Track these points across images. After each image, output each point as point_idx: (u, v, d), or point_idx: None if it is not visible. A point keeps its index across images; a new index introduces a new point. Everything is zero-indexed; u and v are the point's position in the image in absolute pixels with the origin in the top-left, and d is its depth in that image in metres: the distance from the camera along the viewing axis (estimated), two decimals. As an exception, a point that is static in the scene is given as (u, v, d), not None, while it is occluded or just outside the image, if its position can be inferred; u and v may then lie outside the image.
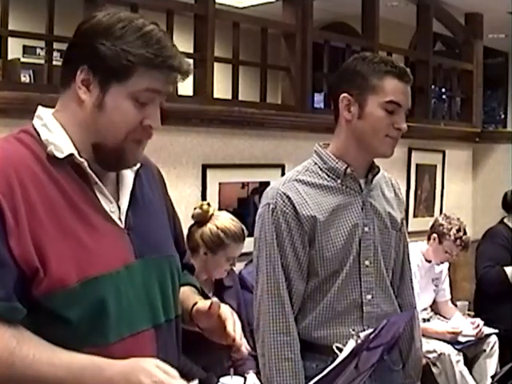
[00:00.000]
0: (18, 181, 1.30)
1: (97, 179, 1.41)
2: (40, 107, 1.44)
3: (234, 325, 1.48)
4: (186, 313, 1.57)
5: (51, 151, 1.36)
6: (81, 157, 1.38)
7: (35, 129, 1.40)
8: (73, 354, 1.28)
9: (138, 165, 1.50)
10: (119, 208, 1.44)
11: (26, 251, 1.27)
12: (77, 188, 1.37)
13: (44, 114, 1.42)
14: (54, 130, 1.39)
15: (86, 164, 1.38)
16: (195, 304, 1.57)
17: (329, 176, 2.04)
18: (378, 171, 2.10)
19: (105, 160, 1.41)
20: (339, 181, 2.04)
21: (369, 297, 2.03)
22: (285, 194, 2.00)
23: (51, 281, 1.28)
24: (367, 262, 2.03)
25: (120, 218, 1.43)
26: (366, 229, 2.03)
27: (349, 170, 2.03)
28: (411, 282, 2.24)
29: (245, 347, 1.49)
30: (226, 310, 1.51)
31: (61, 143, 1.37)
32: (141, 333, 1.40)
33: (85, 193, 1.39)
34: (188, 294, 1.61)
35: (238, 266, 3.42)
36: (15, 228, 1.27)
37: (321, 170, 2.05)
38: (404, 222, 2.22)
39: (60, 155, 1.36)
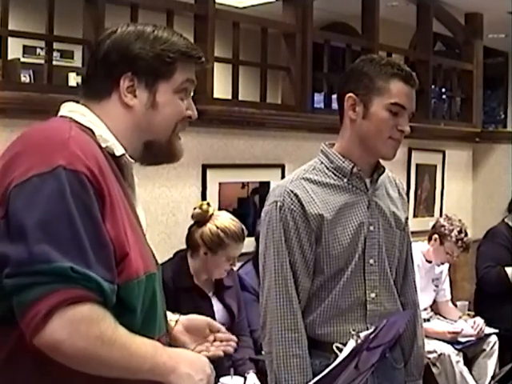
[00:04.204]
0: (104, 165, 1.31)
1: (135, 182, 1.46)
2: (71, 102, 1.44)
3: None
4: None
5: (111, 148, 1.38)
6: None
7: (81, 123, 1.38)
8: (141, 337, 1.30)
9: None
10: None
11: (120, 235, 1.28)
12: (123, 186, 1.41)
13: (84, 111, 1.41)
14: (101, 127, 1.40)
15: (133, 165, 1.43)
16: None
17: (335, 175, 2.06)
18: (383, 171, 2.11)
19: (157, 156, 1.47)
20: (345, 180, 2.05)
21: (373, 295, 2.04)
22: (292, 191, 2.01)
23: (130, 270, 1.30)
24: (372, 261, 2.04)
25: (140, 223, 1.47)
26: (372, 228, 2.05)
27: (355, 170, 2.04)
28: (414, 281, 2.25)
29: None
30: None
31: (114, 141, 1.39)
32: (164, 333, 1.47)
33: (127, 192, 1.42)
34: None
35: (237, 267, 3.42)
36: (110, 210, 1.28)
37: (327, 168, 2.07)
38: (408, 221, 2.23)
39: (117, 153, 1.39)
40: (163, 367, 1.29)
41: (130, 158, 1.42)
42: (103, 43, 1.43)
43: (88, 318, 1.20)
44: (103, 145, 1.37)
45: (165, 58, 1.42)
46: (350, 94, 2.02)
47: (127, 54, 1.41)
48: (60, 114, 1.42)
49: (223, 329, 1.64)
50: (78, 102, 1.44)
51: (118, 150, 1.39)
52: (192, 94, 1.52)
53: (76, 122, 1.37)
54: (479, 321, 4.12)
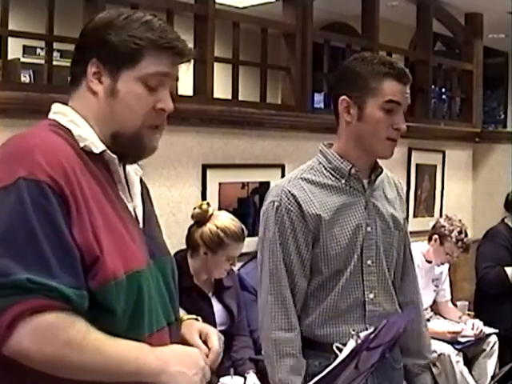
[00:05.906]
0: (71, 169, 1.30)
1: (122, 177, 1.43)
2: (57, 104, 1.44)
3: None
4: None
5: (89, 146, 1.37)
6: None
7: (62, 124, 1.39)
8: (124, 340, 1.29)
9: (141, 171, 1.53)
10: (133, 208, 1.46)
11: (88, 239, 1.27)
12: (108, 184, 1.39)
13: (67, 111, 1.41)
14: (82, 126, 1.39)
15: (116, 161, 1.41)
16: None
17: (333, 176, 2.06)
18: (381, 172, 2.11)
19: (124, 149, 1.42)
20: (343, 181, 2.05)
21: (371, 296, 2.04)
22: (290, 191, 2.01)
23: (105, 272, 1.28)
24: (369, 262, 2.04)
25: (137, 218, 1.46)
26: (369, 229, 2.05)
27: (353, 171, 2.04)
28: (415, 281, 2.24)
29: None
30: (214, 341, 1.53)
31: (94, 139, 1.38)
32: (162, 329, 1.43)
33: (113, 189, 1.41)
34: None
35: (238, 266, 3.42)
36: (77, 216, 1.27)
37: (325, 169, 2.07)
38: (406, 221, 2.23)
39: (96, 150, 1.37)
40: (149, 369, 1.28)
41: (111, 154, 1.40)
42: (82, 32, 1.45)
43: (54, 325, 1.21)
44: (81, 144, 1.36)
45: (130, 44, 1.38)
46: (344, 97, 2.02)
47: (96, 40, 1.40)
48: (49, 115, 1.43)
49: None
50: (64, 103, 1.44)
51: (98, 147, 1.38)
52: (169, 87, 1.45)
53: (58, 123, 1.38)
54: (478, 323, 4.12)
